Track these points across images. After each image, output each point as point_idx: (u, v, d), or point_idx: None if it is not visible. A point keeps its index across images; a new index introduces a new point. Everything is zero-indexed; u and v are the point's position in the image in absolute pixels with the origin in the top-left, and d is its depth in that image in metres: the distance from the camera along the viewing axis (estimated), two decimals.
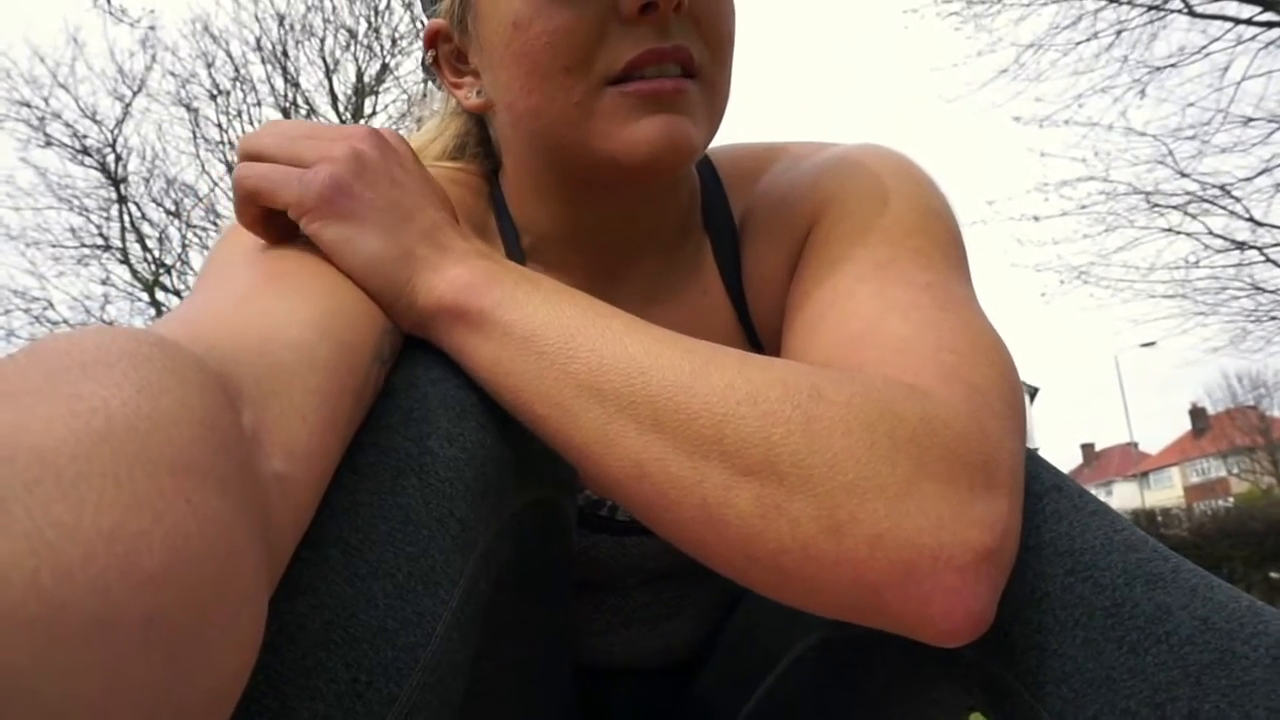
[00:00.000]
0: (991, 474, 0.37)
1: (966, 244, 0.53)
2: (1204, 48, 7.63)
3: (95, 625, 0.18)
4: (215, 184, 8.37)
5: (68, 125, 8.43)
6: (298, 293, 0.41)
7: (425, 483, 0.38)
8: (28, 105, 8.31)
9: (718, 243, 0.60)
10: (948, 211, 0.53)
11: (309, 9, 8.62)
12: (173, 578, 0.21)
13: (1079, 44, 8.05)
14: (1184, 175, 7.90)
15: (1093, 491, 0.47)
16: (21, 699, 0.17)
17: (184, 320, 0.35)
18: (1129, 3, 7.69)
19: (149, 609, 0.20)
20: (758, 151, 0.63)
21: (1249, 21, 7.43)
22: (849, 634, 0.52)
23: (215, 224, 8.37)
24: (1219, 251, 8.11)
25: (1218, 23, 7.56)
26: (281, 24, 8.40)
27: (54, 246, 8.51)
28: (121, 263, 8.63)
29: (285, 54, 8.43)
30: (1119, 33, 7.88)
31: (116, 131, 8.55)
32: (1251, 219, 7.86)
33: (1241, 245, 8.01)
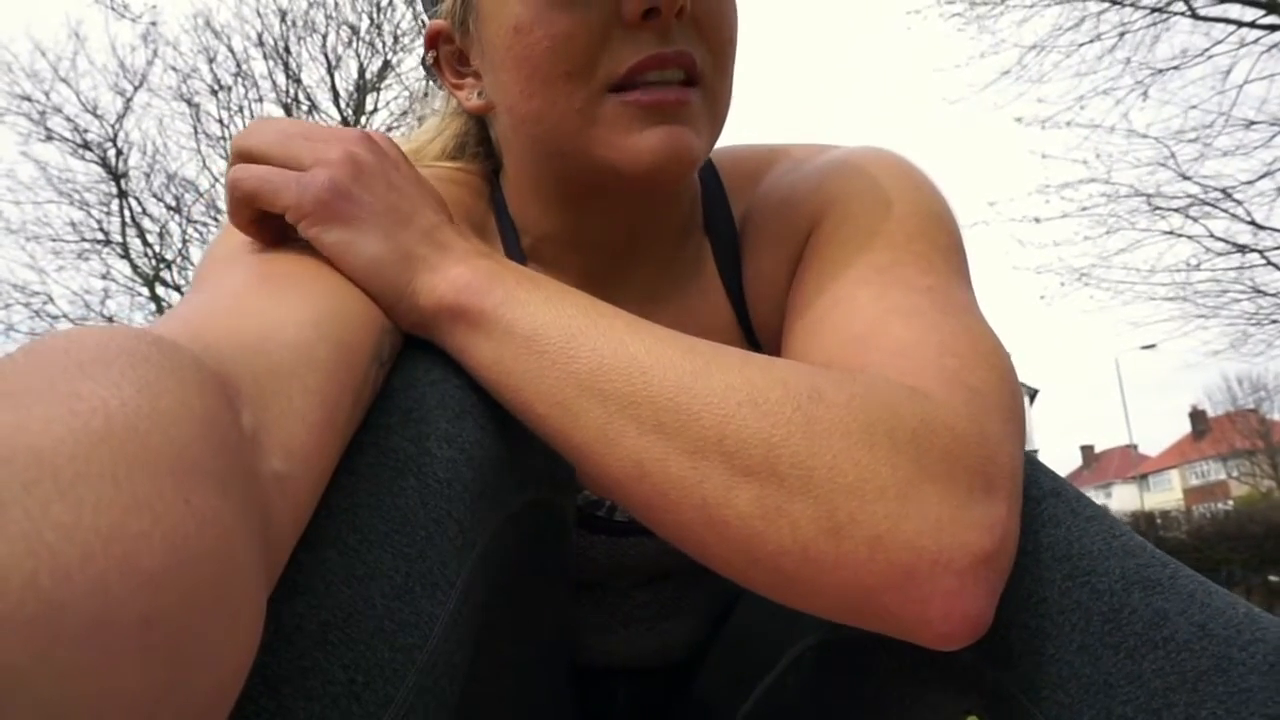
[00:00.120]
0: (991, 477, 0.37)
1: (967, 246, 0.53)
2: (1207, 50, 7.62)
3: (94, 626, 0.18)
4: (216, 179, 8.36)
5: (69, 120, 8.43)
6: (296, 293, 0.41)
7: (423, 484, 0.38)
8: (29, 99, 8.30)
9: (718, 245, 0.60)
10: (949, 215, 0.53)
11: (311, 5, 8.60)
12: (172, 578, 0.21)
13: (1082, 46, 8.04)
14: (1186, 178, 7.89)
15: (1092, 493, 0.47)
16: (20, 699, 0.17)
17: (183, 320, 0.35)
18: (1132, 5, 7.69)
19: (148, 610, 0.20)
20: (759, 153, 0.63)
21: (1252, 24, 7.42)
22: (847, 636, 0.52)
23: (216, 219, 8.36)
24: (1220, 254, 8.10)
25: (1221, 25, 7.55)
26: (283, 19, 8.39)
27: (54, 241, 8.50)
28: (122, 257, 8.64)
29: (287, 50, 8.42)
30: (1122, 35, 7.87)
31: (117, 126, 8.55)
32: (1253, 222, 7.85)
33: (1243, 249, 8.00)
